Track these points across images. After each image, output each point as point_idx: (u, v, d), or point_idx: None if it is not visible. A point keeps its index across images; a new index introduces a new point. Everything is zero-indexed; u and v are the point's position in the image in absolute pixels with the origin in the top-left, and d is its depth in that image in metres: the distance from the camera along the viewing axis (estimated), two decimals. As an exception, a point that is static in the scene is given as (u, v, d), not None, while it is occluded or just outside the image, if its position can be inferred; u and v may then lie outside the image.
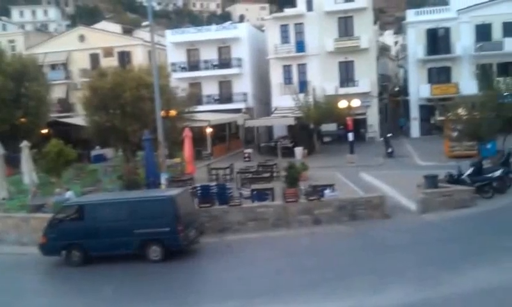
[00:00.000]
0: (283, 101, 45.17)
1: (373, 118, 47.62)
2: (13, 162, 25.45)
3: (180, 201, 16.35)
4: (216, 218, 18.91)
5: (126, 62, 47.89)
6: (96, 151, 38.11)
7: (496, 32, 45.30)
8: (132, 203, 16.59)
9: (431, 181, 20.12)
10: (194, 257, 16.40)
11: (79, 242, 16.25)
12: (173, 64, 48.96)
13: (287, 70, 48.60)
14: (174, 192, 17.07)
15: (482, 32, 45.51)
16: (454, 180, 21.06)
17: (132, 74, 29.88)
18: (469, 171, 21.26)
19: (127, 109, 27.94)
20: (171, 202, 16.03)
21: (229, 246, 17.15)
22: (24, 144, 23.18)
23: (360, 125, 45.86)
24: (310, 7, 47.89)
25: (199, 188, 20.78)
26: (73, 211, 16.95)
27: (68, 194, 20.39)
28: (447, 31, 46.64)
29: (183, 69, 50.21)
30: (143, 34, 54.73)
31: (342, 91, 44.73)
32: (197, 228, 17.11)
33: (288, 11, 49.76)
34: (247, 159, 36.36)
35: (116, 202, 17.08)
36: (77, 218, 16.66)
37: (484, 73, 31.42)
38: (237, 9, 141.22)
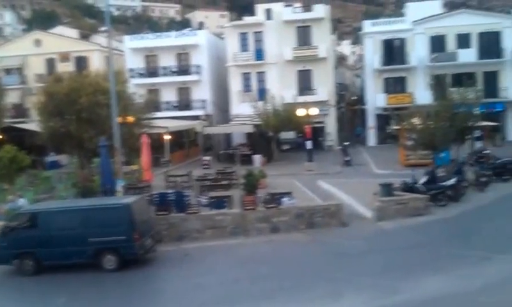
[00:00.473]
0: (242, 108, 45.24)
1: (331, 126, 48.19)
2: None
3: (136, 208, 16.09)
4: (173, 226, 18.71)
5: (83, 68, 46.90)
6: (51, 157, 37.14)
7: (451, 44, 46.68)
8: (86, 210, 16.23)
9: (387, 189, 20.45)
10: (151, 266, 16.14)
11: (32, 251, 15.79)
12: (131, 70, 48.34)
13: (246, 77, 48.71)
14: (130, 199, 16.78)
15: (437, 43, 46.85)
16: (408, 188, 21.47)
17: (89, 79, 29.22)
18: (423, 180, 21.76)
19: (83, 115, 27.31)
20: (127, 210, 15.76)
21: (186, 254, 16.96)
22: (-24, 150, 22.42)
23: (318, 133, 46.30)
24: (269, 16, 48.25)
25: (156, 195, 20.52)
26: (26, 219, 16.45)
27: (21, 201, 19.80)
28: (403, 41, 47.77)
29: (141, 75, 49.64)
30: (101, 39, 53.97)
31: (301, 99, 45.11)
32: (154, 236, 16.87)
33: (247, 20, 50.05)
34: (205, 166, 36.17)
35: (70, 210, 16.69)
36: (30, 226, 16.16)
37: (438, 84, 32.19)
38: (196, 16, 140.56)
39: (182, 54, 50.37)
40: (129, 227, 15.48)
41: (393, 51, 47.95)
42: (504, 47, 45.80)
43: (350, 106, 65.23)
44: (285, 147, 45.89)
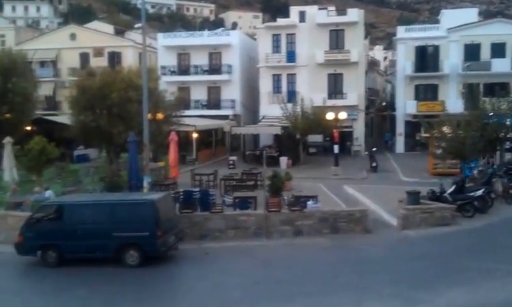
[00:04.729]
0: (271, 110, 45.25)
1: (359, 131, 47.78)
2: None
3: (161, 205, 16.17)
4: (196, 224, 18.75)
5: (116, 63, 47.68)
6: (80, 151, 37.75)
7: (485, 53, 45.78)
8: (111, 205, 16.35)
9: (413, 197, 20.16)
10: (172, 263, 16.22)
11: (55, 243, 15.93)
12: (163, 67, 48.87)
13: (276, 79, 48.69)
14: (155, 196, 16.91)
15: (471, 51, 45.99)
16: (436, 197, 21.14)
17: (121, 75, 29.69)
18: (451, 189, 21.36)
19: (114, 110, 27.76)
20: (152, 206, 15.84)
21: (207, 253, 16.98)
22: (7, 140, 22.89)
23: (346, 137, 46.00)
24: (302, 18, 48.11)
25: (181, 193, 20.63)
26: (52, 211, 16.66)
27: (48, 193, 20.12)
28: (436, 48, 47.06)
29: (173, 73, 50.12)
30: (135, 35, 54.47)
31: (330, 103, 44.86)
32: (176, 233, 16.94)
33: (280, 21, 50.09)
34: (231, 166, 36.23)
35: (95, 204, 16.85)
36: (54, 218, 16.35)
37: (470, 93, 31.61)
38: (230, 16, 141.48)
39: (214, 53, 50.65)
40: (153, 224, 15.53)
41: (426, 58, 47.30)
42: (540, 57, 44.68)
43: (379, 112, 64.65)
44: (312, 150, 45.71)
